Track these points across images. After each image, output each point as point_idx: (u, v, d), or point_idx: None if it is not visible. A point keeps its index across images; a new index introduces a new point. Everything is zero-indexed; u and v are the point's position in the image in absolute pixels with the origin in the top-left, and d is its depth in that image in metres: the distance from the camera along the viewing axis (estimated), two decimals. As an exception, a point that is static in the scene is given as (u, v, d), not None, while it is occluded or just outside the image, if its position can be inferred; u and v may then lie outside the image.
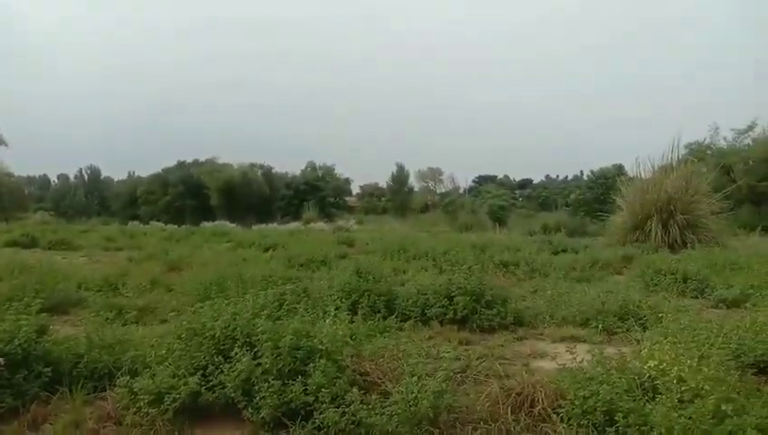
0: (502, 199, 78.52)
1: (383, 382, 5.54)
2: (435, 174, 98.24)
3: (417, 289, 10.13)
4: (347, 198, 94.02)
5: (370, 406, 5.02)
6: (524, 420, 5.15)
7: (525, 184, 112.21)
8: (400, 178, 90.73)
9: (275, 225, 54.16)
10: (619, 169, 55.70)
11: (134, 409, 5.37)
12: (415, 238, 26.08)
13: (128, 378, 5.74)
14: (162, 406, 5.31)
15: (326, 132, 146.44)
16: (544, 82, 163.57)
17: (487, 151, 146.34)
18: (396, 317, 9.02)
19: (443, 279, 10.60)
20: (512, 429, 5.07)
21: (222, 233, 35.67)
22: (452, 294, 9.60)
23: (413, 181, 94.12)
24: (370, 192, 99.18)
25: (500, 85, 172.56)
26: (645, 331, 7.88)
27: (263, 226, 52.13)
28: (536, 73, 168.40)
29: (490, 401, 5.46)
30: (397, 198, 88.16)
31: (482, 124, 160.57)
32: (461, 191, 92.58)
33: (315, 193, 79.78)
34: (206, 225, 49.41)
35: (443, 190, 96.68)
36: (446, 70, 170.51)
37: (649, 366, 5.27)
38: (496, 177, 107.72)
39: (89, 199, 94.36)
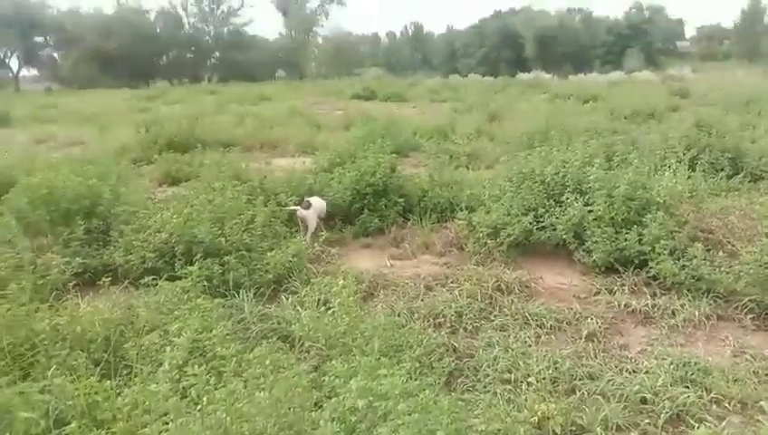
0: None
1: (730, 242, 5.09)
2: (804, 8, 77.88)
3: (775, 146, 8.69)
4: (679, 43, 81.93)
5: (715, 263, 4.71)
6: None
7: None
8: (753, 15, 74.36)
9: (594, 75, 50.78)
10: None
11: (473, 239, 6.04)
12: (769, 89, 21.78)
13: (466, 212, 6.41)
14: (498, 239, 5.83)
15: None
16: None
17: None
18: (743, 177, 7.98)
19: (809, 136, 8.83)
20: None
21: (538, 84, 35.09)
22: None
23: (770, 19, 76.35)
24: (709, 35, 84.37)
25: None
26: None
27: (580, 76, 49.43)
28: None
29: None
30: (745, 41, 73.13)
31: None
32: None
33: (640, 38, 71.27)
34: (522, 76, 49.02)
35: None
36: None
37: None
38: None
39: (413, 54, 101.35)
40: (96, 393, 2.98)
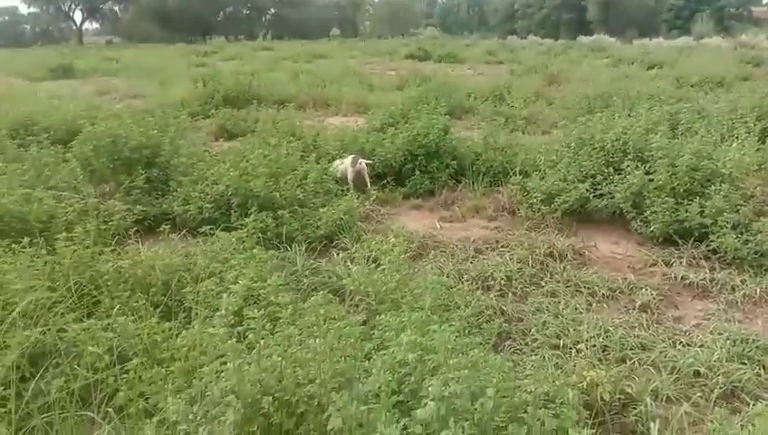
0: None
1: (800, 218, 4.84)
2: None
3: None
4: (753, 9, 76.76)
5: (782, 239, 4.51)
6: None
7: None
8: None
9: (660, 40, 48.38)
10: None
11: (526, 204, 5.94)
12: None
13: (520, 177, 6.31)
14: (552, 205, 5.72)
15: None
16: None
17: None
18: (819, 151, 7.53)
19: None
20: None
21: (600, 48, 33.79)
22: None
23: None
24: (790, -1, 78.74)
25: None
26: None
27: (645, 41, 47.16)
28: None
29: None
30: (829, 6, 68.29)
31: None
32: None
33: (712, 2, 67.17)
34: (583, 39, 47.22)
35: None
36: None
37: None
38: None
39: (470, 15, 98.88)
40: (156, 334, 3.13)
